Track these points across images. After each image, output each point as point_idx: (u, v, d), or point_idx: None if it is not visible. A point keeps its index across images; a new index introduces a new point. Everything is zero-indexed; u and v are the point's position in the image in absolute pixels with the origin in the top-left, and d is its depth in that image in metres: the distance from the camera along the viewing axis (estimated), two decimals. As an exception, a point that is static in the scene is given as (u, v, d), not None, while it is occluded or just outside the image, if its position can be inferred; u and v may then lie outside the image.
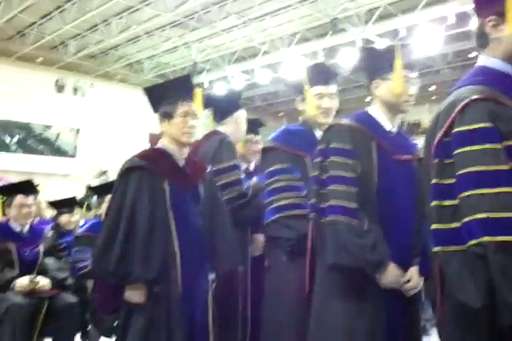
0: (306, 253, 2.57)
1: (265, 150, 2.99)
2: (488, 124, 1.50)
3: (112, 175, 13.25)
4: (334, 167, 2.32)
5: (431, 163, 1.65)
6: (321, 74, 2.94)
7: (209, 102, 3.72)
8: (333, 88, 2.93)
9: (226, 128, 3.63)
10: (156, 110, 2.74)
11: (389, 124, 2.47)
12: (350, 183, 2.26)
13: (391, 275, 2.19)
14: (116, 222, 2.51)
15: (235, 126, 3.65)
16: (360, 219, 2.21)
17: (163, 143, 2.72)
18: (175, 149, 2.70)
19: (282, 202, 2.73)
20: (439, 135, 1.62)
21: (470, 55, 16.87)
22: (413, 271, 2.25)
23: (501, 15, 1.64)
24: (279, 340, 2.71)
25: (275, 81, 18.76)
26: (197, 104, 2.76)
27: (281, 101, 22.24)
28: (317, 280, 2.45)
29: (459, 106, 1.57)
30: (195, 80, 21.67)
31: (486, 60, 1.73)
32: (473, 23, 13.14)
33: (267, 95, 22.56)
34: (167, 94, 2.68)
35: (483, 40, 1.74)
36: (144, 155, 2.69)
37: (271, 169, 2.85)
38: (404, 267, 2.26)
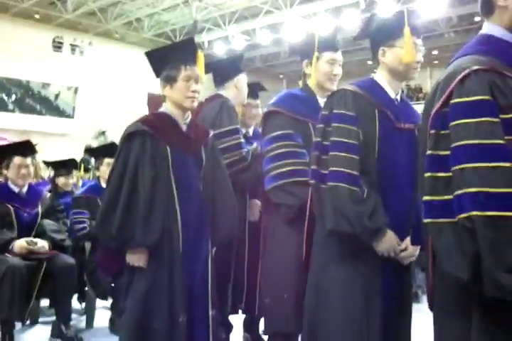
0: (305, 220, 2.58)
1: (268, 115, 2.93)
2: (486, 97, 1.48)
3: (111, 136, 13.23)
4: (337, 133, 2.29)
5: (427, 132, 1.63)
6: (332, 40, 2.92)
7: (210, 66, 3.67)
8: (340, 55, 2.93)
9: (227, 92, 3.59)
10: (158, 74, 2.70)
11: (393, 92, 2.44)
12: (352, 150, 2.24)
13: (388, 242, 2.22)
14: (118, 186, 2.52)
15: (236, 90, 3.61)
16: (360, 186, 2.21)
17: (166, 108, 2.70)
18: (178, 114, 2.67)
19: (285, 169, 2.71)
20: (437, 105, 1.59)
21: (475, 19, 16.59)
22: (409, 240, 2.27)
23: None
24: (278, 305, 2.74)
25: (276, 42, 18.51)
26: (200, 68, 2.72)
27: (281, 62, 21.96)
28: (314, 246, 2.46)
29: (459, 77, 1.54)
30: (195, 40, 21.20)
31: (491, 28, 1.69)
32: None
33: (268, 56, 22.30)
34: (170, 57, 2.63)
35: (488, 7, 1.69)
36: (146, 120, 2.68)
37: (274, 134, 2.81)
38: (402, 236, 2.27)
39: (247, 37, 19.07)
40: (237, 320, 3.68)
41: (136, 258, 2.51)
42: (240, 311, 3.57)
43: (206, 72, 3.56)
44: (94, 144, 13.01)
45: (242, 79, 3.66)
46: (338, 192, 2.20)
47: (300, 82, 3.48)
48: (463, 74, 1.54)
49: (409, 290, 2.45)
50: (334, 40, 2.92)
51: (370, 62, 22.49)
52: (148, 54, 2.73)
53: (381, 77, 2.46)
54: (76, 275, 4.00)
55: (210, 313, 2.60)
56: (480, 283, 1.40)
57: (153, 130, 2.59)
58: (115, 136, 15.56)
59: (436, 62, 21.71)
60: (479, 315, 1.50)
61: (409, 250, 2.27)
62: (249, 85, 3.82)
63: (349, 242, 2.23)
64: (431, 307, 1.77)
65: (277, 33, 17.82)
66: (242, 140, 3.38)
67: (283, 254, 2.74)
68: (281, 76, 23.56)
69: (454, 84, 1.55)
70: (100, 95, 19.05)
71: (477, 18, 16.34)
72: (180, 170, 2.60)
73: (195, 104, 2.67)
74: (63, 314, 3.93)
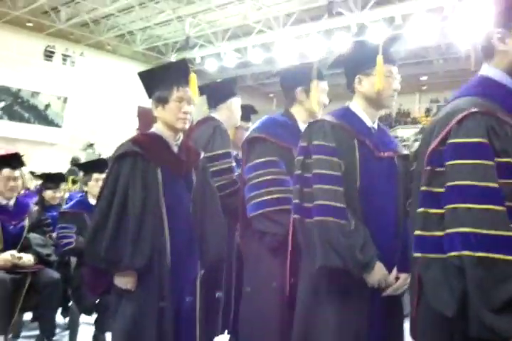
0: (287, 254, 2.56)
1: (251, 141, 2.86)
2: (483, 140, 1.51)
3: (99, 148, 13.19)
4: (319, 165, 2.25)
5: (422, 169, 1.66)
6: (320, 71, 2.92)
7: (203, 88, 3.70)
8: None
9: (220, 114, 3.59)
10: (150, 95, 2.69)
11: (370, 121, 2.43)
12: (336, 182, 2.21)
13: (378, 274, 2.18)
14: (108, 206, 2.50)
15: (229, 112, 3.61)
16: (348, 218, 2.17)
17: (157, 128, 2.69)
18: (169, 135, 2.66)
19: (270, 196, 2.68)
20: (435, 143, 1.62)
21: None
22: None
23: (509, 29, 1.64)
24: (258, 337, 2.71)
25: (268, 61, 18.65)
26: (192, 89, 2.70)
27: (272, 82, 22.08)
28: (301, 282, 2.41)
29: (458, 117, 1.57)
30: (187, 55, 21.48)
31: (490, 70, 1.72)
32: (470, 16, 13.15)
33: (259, 75, 22.44)
34: (162, 78, 2.63)
35: (488, 51, 1.72)
36: (137, 141, 2.66)
37: (258, 161, 2.77)
38: (388, 265, 2.25)
39: (238, 55, 19.21)
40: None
41: (124, 281, 2.49)
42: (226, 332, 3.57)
43: (200, 94, 3.59)
44: (82, 155, 12.97)
45: (236, 102, 3.67)
46: (326, 226, 2.15)
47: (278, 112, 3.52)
48: (462, 115, 1.57)
49: (401, 319, 2.42)
50: (320, 70, 2.94)
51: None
52: (140, 74, 2.73)
53: (357, 105, 2.44)
54: (61, 290, 3.98)
55: (198, 336, 2.60)
56: (464, 320, 1.43)
57: (144, 151, 2.58)
58: (103, 148, 15.55)
59: (424, 87, 22.04)
60: None
61: (401, 280, 2.25)
62: (242, 108, 3.84)
63: (337, 278, 2.20)
64: (413, 336, 1.79)
65: (269, 52, 17.99)
66: (234, 164, 3.40)
67: (265, 283, 2.71)
68: (271, 95, 23.68)
69: (452, 124, 1.58)
70: (90, 106, 19.03)
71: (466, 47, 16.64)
72: (171, 193, 2.60)
73: (187, 126, 2.66)
74: (47, 329, 3.91)
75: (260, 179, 2.73)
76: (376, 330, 2.24)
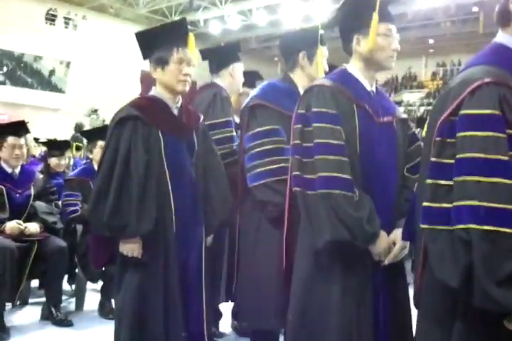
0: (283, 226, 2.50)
1: (252, 108, 2.78)
2: (496, 111, 1.48)
3: (103, 114, 13.13)
4: (320, 134, 2.12)
5: (433, 139, 1.62)
6: (323, 36, 2.83)
7: (205, 52, 3.61)
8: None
9: (222, 80, 3.50)
10: (146, 56, 2.61)
11: (368, 84, 2.29)
12: (340, 152, 2.10)
13: (383, 244, 2.14)
14: (109, 171, 2.44)
15: (231, 78, 3.51)
16: (354, 190, 2.08)
17: (156, 91, 2.62)
18: (169, 97, 2.59)
19: (272, 166, 2.63)
20: (446, 113, 1.58)
21: (473, 10, 16.54)
22: (397, 234, 2.19)
23: None
24: (256, 303, 2.73)
25: (273, 23, 18.36)
26: (191, 50, 2.60)
27: (277, 45, 21.75)
28: (299, 257, 2.31)
29: (470, 87, 1.52)
30: (191, 17, 21.14)
31: (505, 38, 1.67)
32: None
33: (263, 38, 22.11)
34: (162, 39, 2.54)
35: (505, 18, 1.66)
36: (137, 104, 2.58)
37: (259, 130, 2.70)
38: (388, 229, 2.20)
39: (243, 17, 18.88)
40: (226, 308, 3.73)
41: (130, 248, 2.45)
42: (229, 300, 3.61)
43: (202, 58, 3.51)
44: (86, 121, 12.92)
45: (238, 68, 3.58)
46: (333, 199, 2.04)
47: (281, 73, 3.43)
48: (474, 85, 1.53)
49: (406, 286, 2.37)
50: (322, 35, 2.84)
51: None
52: (138, 34, 2.64)
53: (354, 67, 2.30)
54: (67, 258, 4.01)
55: (204, 304, 2.61)
56: (468, 292, 1.44)
57: (144, 115, 2.52)
58: (107, 114, 15.47)
59: (431, 50, 21.68)
60: (463, 322, 1.54)
61: (398, 244, 2.19)
62: (247, 73, 3.77)
63: (340, 251, 2.13)
64: (416, 306, 1.80)
65: (274, 15, 17.68)
66: (234, 133, 3.34)
67: (265, 253, 2.70)
68: (276, 59, 23.38)
69: (464, 95, 1.54)
70: (93, 71, 18.86)
71: (475, 9, 16.29)
72: (173, 156, 2.55)
73: (187, 88, 2.59)
74: (53, 296, 3.95)
75: (262, 148, 2.68)
76: (381, 297, 2.22)
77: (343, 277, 2.17)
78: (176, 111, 2.63)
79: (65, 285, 4.45)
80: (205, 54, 3.58)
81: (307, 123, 2.17)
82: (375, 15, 2.18)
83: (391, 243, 2.20)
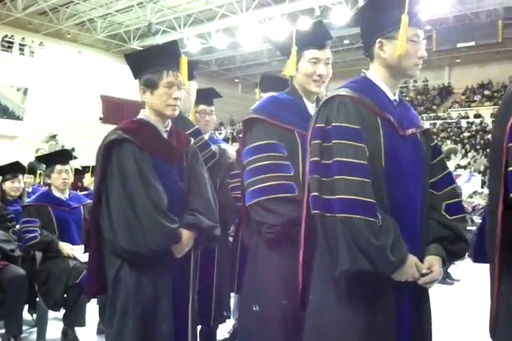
0: (296, 246, 2.26)
1: (248, 122, 2.58)
2: None
3: (62, 139, 12.91)
4: (341, 151, 1.90)
5: (504, 145, 1.52)
6: (317, 35, 2.55)
7: None
8: (326, 53, 2.55)
9: None
10: (136, 77, 2.51)
11: (391, 93, 2.08)
12: (362, 172, 1.88)
13: (410, 269, 1.91)
14: (129, 196, 2.31)
15: (186, 95, 3.47)
16: (377, 215, 1.86)
17: (144, 115, 2.51)
18: (157, 121, 2.49)
19: (267, 183, 2.42)
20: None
21: (426, 28, 17.01)
22: (432, 261, 1.98)
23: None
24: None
25: (232, 46, 18.53)
26: (183, 73, 2.52)
27: (237, 66, 22.00)
28: (317, 283, 2.09)
29: None
30: (150, 42, 21.21)
31: None
32: None
33: (223, 60, 22.29)
34: (151, 61, 2.44)
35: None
36: (125, 128, 2.46)
37: (255, 144, 2.51)
38: (415, 253, 1.96)
39: (202, 40, 19.01)
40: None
41: (185, 246, 2.43)
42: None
43: None
44: (45, 147, 12.66)
45: (193, 85, 3.56)
46: (352, 225, 1.84)
47: (256, 90, 3.40)
48: None
49: (430, 315, 2.12)
50: (317, 36, 2.57)
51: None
52: (128, 56, 2.54)
53: (375, 75, 2.09)
54: (26, 286, 3.86)
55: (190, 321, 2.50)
56: None
57: (135, 138, 2.40)
58: (66, 140, 15.26)
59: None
60: None
61: (435, 272, 1.96)
62: (204, 91, 3.74)
63: (361, 278, 1.91)
64: (492, 336, 1.67)
65: (233, 37, 17.84)
66: (206, 138, 3.33)
67: (266, 279, 2.47)
68: (236, 80, 23.59)
69: None
70: (51, 97, 18.63)
71: (428, 27, 16.76)
72: (164, 181, 2.43)
73: (177, 112, 2.49)
74: (13, 327, 3.78)
75: (257, 164, 2.48)
76: (405, 330, 1.99)
77: (365, 306, 1.95)
78: (165, 135, 2.54)
79: (26, 315, 4.29)
80: None
81: (326, 138, 1.96)
82: (405, 18, 1.96)
83: (426, 267, 1.97)
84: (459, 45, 16.29)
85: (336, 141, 1.92)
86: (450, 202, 2.09)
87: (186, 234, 2.43)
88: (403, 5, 1.97)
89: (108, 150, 2.40)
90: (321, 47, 2.51)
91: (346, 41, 20.52)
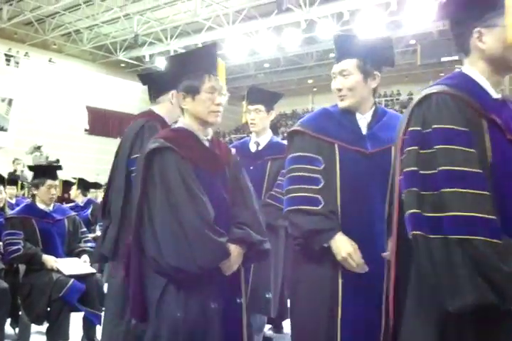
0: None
1: (291, 134, 2.60)
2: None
3: (46, 151, 12.85)
4: (447, 159, 1.60)
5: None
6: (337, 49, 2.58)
7: (145, 78, 3.39)
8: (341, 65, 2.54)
9: (160, 107, 3.22)
10: (174, 85, 2.41)
11: (494, 91, 1.78)
12: (479, 183, 1.57)
13: None
14: (174, 210, 2.17)
15: (170, 105, 3.18)
16: (500, 235, 1.54)
17: (185, 123, 2.38)
18: (199, 129, 2.36)
19: (294, 194, 2.45)
20: None
21: (410, 42, 17.26)
22: None
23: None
24: None
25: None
26: (221, 77, 2.42)
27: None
28: (410, 317, 1.74)
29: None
30: (136, 53, 21.21)
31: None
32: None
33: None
34: (192, 65, 2.33)
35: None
36: (165, 137, 2.33)
37: (293, 155, 2.53)
38: None
39: (188, 52, 19.06)
40: None
41: (235, 262, 2.27)
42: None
43: (142, 83, 3.34)
44: (29, 159, 12.53)
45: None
46: (473, 248, 1.51)
47: (243, 102, 3.39)
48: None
49: None
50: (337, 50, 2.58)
51: (310, 81, 22.92)
52: (170, 58, 2.51)
53: (476, 71, 1.79)
54: (9, 300, 3.81)
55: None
56: None
57: (178, 148, 2.26)
58: (51, 151, 15.17)
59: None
60: None
61: None
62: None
63: (476, 314, 1.57)
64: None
65: (219, 50, 17.88)
66: None
67: (312, 301, 2.39)
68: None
69: None
70: (36, 108, 18.51)
71: (412, 41, 16.96)
72: (209, 193, 2.29)
73: (219, 119, 2.38)
74: (-6, 341, 3.74)
75: (291, 174, 2.50)
76: None
77: None
78: (207, 144, 2.41)
79: (8, 329, 4.22)
80: (144, 79, 3.43)
81: (426, 143, 1.66)
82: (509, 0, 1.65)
83: None
84: (443, 59, 16.48)
85: (439, 147, 1.62)
86: None
87: (235, 249, 2.26)
88: None
89: (149, 159, 2.26)
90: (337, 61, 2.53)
91: (332, 54, 20.70)
